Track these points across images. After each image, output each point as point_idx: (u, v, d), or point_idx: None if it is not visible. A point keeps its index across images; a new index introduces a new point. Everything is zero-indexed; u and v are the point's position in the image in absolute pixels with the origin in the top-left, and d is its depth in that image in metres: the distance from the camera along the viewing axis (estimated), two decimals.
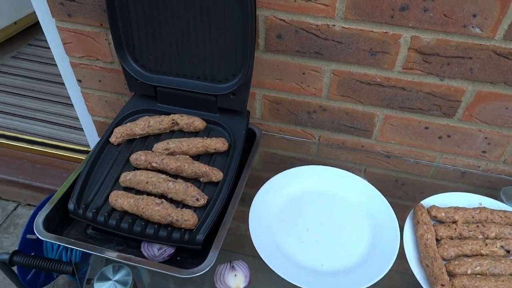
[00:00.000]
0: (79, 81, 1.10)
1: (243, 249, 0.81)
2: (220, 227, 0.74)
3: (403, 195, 1.04)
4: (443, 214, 0.81)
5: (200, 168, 0.78)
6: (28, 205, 1.73)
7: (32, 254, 1.01)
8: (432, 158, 0.99)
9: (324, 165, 0.94)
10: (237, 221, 0.82)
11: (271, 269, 0.73)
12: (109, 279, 0.76)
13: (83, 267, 0.89)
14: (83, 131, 1.31)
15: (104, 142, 0.85)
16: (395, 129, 0.95)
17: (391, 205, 0.85)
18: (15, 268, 1.03)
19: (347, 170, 0.93)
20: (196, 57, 0.84)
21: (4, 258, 0.96)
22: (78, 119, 1.26)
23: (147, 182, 0.75)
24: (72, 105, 1.22)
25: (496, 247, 0.75)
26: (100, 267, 0.81)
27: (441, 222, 0.82)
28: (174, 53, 0.85)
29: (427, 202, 0.85)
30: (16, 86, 2.09)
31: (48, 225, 0.75)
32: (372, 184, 0.90)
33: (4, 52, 2.35)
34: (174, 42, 0.83)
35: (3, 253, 0.97)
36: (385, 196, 0.87)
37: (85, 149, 1.66)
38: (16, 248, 1.02)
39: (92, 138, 1.30)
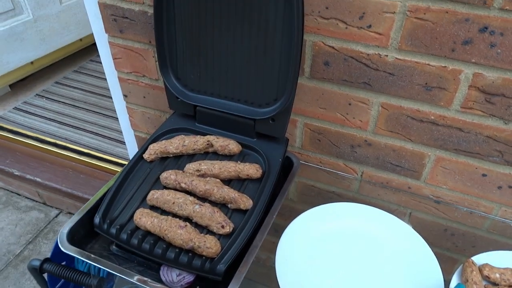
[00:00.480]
0: (125, 96, 1.12)
1: (270, 283, 0.75)
2: (243, 259, 0.69)
3: (451, 247, 0.94)
4: (497, 275, 0.71)
5: (229, 193, 0.74)
6: (69, 213, 1.78)
7: (63, 263, 1.02)
8: (489, 209, 0.89)
9: (364, 203, 0.87)
10: (268, 252, 0.77)
11: None
12: None
13: (109, 282, 0.87)
14: (125, 144, 1.33)
15: (138, 158, 0.85)
16: (448, 173, 0.86)
17: (437, 256, 0.76)
18: (46, 276, 1.03)
19: (390, 212, 0.85)
20: (238, 79, 0.82)
21: (35, 265, 0.97)
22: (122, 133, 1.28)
23: (173, 203, 0.73)
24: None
25: None
26: (125, 284, 0.79)
27: (494, 284, 0.71)
28: (216, 74, 0.83)
29: (480, 258, 0.75)
30: (73, 98, 2.21)
31: (73, 237, 0.74)
32: (418, 231, 0.81)
33: (68, 66, 2.50)
34: (217, 63, 0.82)
35: (35, 259, 0.98)
36: (431, 246, 0.78)
37: (126, 163, 1.68)
38: (49, 256, 1.03)
39: (133, 153, 1.30)
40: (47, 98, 2.20)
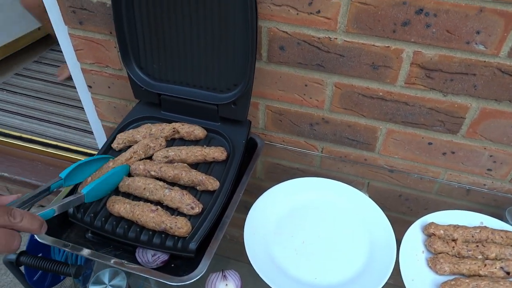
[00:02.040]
0: (89, 86, 1.13)
1: (241, 257, 0.80)
2: (214, 236, 0.75)
3: (407, 211, 1.03)
4: (441, 231, 0.79)
5: (197, 176, 0.78)
6: (41, 206, 1.78)
7: (40, 255, 1.04)
8: (436, 174, 0.98)
9: (327, 177, 0.94)
10: (240, 229, 0.82)
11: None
12: (104, 283, 0.78)
13: (87, 269, 0.91)
14: (94, 135, 1.34)
15: (107, 148, 0.87)
16: (398, 143, 0.94)
17: (394, 220, 0.84)
18: (22, 269, 1.05)
19: (350, 183, 0.92)
20: (199, 66, 0.85)
21: (11, 258, 0.99)
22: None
23: (144, 189, 0.77)
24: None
25: (496, 268, 0.73)
26: (101, 270, 0.83)
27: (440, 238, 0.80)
28: (178, 63, 0.86)
29: (428, 219, 0.84)
30: (35, 89, 2.16)
31: (48, 228, 0.77)
32: (376, 199, 0.89)
33: (28, 56, 2.43)
34: (178, 52, 0.85)
35: None
36: (388, 211, 0.86)
37: (95, 152, 1.69)
38: (25, 249, 1.04)
39: (102, 142, 1.32)
40: (7, 90, 2.15)
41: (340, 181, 0.92)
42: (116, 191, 0.80)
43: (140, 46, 0.87)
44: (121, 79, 1.06)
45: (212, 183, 0.78)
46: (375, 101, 0.88)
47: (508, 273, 0.73)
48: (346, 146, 1.00)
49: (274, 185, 0.91)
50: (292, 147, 1.05)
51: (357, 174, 1.03)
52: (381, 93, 0.86)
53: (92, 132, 1.33)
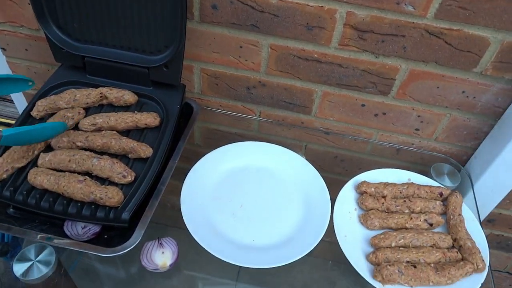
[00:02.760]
0: (3, 49, 1.02)
1: (177, 223, 0.79)
2: (148, 204, 0.72)
3: (342, 171, 1.06)
4: (372, 189, 0.83)
5: (128, 144, 0.75)
6: None
7: None
8: (369, 135, 1.01)
9: (265, 141, 0.93)
10: (174, 195, 0.80)
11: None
12: (30, 260, 0.73)
13: (16, 247, 0.85)
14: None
15: (26, 116, 0.80)
16: (333, 106, 0.95)
17: (330, 181, 0.86)
18: None
19: (288, 147, 0.92)
20: (125, 25, 0.79)
21: None
22: None
23: (69, 161, 0.71)
24: None
25: (420, 220, 0.78)
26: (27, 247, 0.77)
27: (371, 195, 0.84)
28: (101, 21, 0.79)
29: (361, 178, 0.87)
30: None
31: None
32: (312, 161, 0.90)
33: None
34: (100, 9, 0.78)
35: None
36: (325, 172, 0.88)
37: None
38: None
39: None
40: None
41: (278, 145, 0.93)
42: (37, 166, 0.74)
43: (57, 3, 0.78)
44: (40, 40, 0.97)
45: (144, 150, 0.75)
46: (310, 63, 0.87)
47: (431, 224, 0.79)
48: (283, 109, 0.99)
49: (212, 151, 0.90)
50: (229, 112, 1.03)
51: (294, 137, 1.04)
52: (316, 55, 0.86)
53: (12, 100, 1.22)
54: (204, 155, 0.88)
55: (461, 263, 0.72)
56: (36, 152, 0.74)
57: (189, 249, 0.77)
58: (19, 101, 1.17)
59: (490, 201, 0.96)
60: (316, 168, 0.88)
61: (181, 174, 0.83)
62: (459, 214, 0.80)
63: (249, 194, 0.84)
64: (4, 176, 0.70)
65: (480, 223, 0.83)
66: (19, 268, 0.71)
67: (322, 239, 0.76)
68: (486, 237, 0.79)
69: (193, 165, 0.86)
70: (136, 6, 0.76)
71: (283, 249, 0.75)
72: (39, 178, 0.69)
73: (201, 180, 0.84)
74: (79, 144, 0.75)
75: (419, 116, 0.93)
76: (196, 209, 0.79)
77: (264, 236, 0.77)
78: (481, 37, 0.76)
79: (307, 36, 0.83)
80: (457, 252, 0.74)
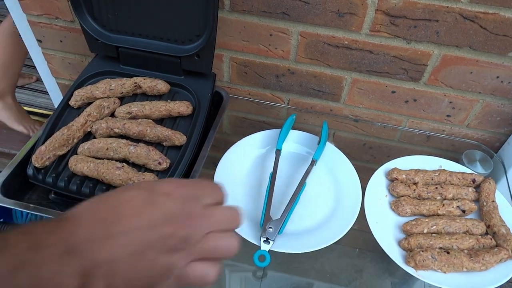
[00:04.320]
0: (39, 41, 1.05)
1: None
2: None
3: (370, 159, 1.06)
4: (404, 176, 0.83)
5: (163, 132, 0.76)
6: None
7: (1, 220, 1.00)
8: (399, 122, 1.00)
9: (293, 129, 0.94)
10: None
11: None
12: None
13: None
14: (48, 94, 1.26)
15: (64, 106, 0.83)
16: (363, 93, 0.95)
17: (359, 168, 0.86)
18: None
19: (317, 134, 0.93)
20: (158, 16, 0.80)
21: None
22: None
23: (107, 149, 0.74)
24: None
25: (453, 207, 0.78)
26: None
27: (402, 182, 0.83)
28: (135, 12, 0.81)
29: (391, 165, 0.87)
30: None
31: (7, 190, 0.74)
32: (341, 148, 0.90)
33: None
34: (134, 0, 0.79)
35: None
36: (353, 160, 0.88)
37: (51, 113, 1.61)
38: None
39: (57, 102, 1.24)
40: None
41: (307, 132, 0.93)
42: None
43: None
44: (74, 31, 0.99)
45: (178, 138, 0.77)
46: (340, 50, 0.87)
47: (463, 211, 0.78)
48: (312, 97, 1.00)
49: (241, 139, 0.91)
50: (258, 100, 1.04)
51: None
52: (346, 42, 0.85)
53: (47, 91, 1.26)
54: (233, 144, 0.90)
55: (495, 249, 0.71)
56: (75, 141, 0.77)
57: None
58: (54, 92, 1.21)
59: None
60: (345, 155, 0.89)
61: (211, 164, 0.85)
62: (493, 201, 0.79)
63: (280, 180, 0.85)
64: (47, 163, 0.73)
65: None
66: None
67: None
68: None
69: (223, 154, 0.88)
70: None
71: (314, 235, 0.76)
72: (79, 165, 0.72)
73: (232, 168, 0.86)
74: (116, 130, 0.77)
75: (450, 102, 0.92)
76: (229, 197, 0.80)
77: (296, 222, 0.78)
78: None
79: (337, 22, 0.82)
80: (491, 239, 0.74)
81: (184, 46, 0.83)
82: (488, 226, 0.76)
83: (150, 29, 0.83)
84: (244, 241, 0.73)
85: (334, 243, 0.74)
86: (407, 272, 0.70)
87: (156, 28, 0.82)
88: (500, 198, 0.81)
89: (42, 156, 0.73)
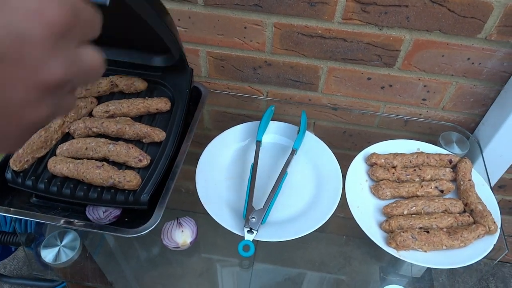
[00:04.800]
0: None
1: (194, 207, 0.81)
2: (165, 187, 0.75)
3: (351, 146, 1.08)
4: (382, 160, 0.84)
5: (142, 129, 0.77)
6: None
7: None
8: (376, 108, 1.02)
9: (273, 120, 0.95)
10: (189, 180, 0.82)
11: (218, 223, 0.74)
12: (57, 245, 0.76)
13: (39, 237, 0.88)
14: None
15: None
16: (339, 81, 0.96)
17: (340, 156, 0.87)
18: None
19: (297, 125, 0.94)
20: (121, 39, 0.79)
21: None
22: None
23: (86, 149, 0.74)
24: None
25: (431, 188, 0.80)
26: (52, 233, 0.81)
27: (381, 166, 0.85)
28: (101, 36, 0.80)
29: (370, 150, 0.88)
30: None
31: None
32: (322, 137, 0.91)
33: None
34: None
35: None
36: (334, 148, 0.89)
37: None
38: None
39: None
40: None
41: (287, 123, 0.94)
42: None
43: None
44: None
45: (158, 134, 0.77)
46: (314, 40, 0.88)
47: (442, 191, 0.80)
48: (290, 87, 1.01)
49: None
50: (237, 93, 1.04)
51: None
52: (320, 31, 0.86)
53: None
54: (215, 137, 0.90)
55: (473, 226, 0.74)
56: (54, 142, 0.76)
57: (208, 230, 0.79)
58: None
59: (500, 166, 0.97)
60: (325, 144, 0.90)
61: (194, 159, 0.85)
62: (469, 179, 0.81)
63: (262, 171, 0.86)
64: (25, 166, 0.73)
65: (491, 188, 0.84)
66: (47, 254, 0.75)
67: (335, 214, 0.77)
68: (498, 203, 0.80)
69: (205, 148, 0.88)
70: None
71: (297, 223, 0.77)
72: (59, 166, 0.72)
73: (214, 162, 0.86)
74: (95, 129, 0.77)
75: (425, 86, 0.94)
76: (212, 190, 0.81)
77: (279, 211, 0.79)
78: (484, 2, 0.76)
79: (310, 12, 0.83)
80: (468, 216, 0.76)
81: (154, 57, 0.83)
82: (465, 204, 0.78)
83: (116, 45, 0.82)
84: (229, 233, 0.73)
85: (321, 231, 0.75)
86: (394, 256, 0.72)
87: (122, 49, 0.82)
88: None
89: (20, 159, 0.72)
